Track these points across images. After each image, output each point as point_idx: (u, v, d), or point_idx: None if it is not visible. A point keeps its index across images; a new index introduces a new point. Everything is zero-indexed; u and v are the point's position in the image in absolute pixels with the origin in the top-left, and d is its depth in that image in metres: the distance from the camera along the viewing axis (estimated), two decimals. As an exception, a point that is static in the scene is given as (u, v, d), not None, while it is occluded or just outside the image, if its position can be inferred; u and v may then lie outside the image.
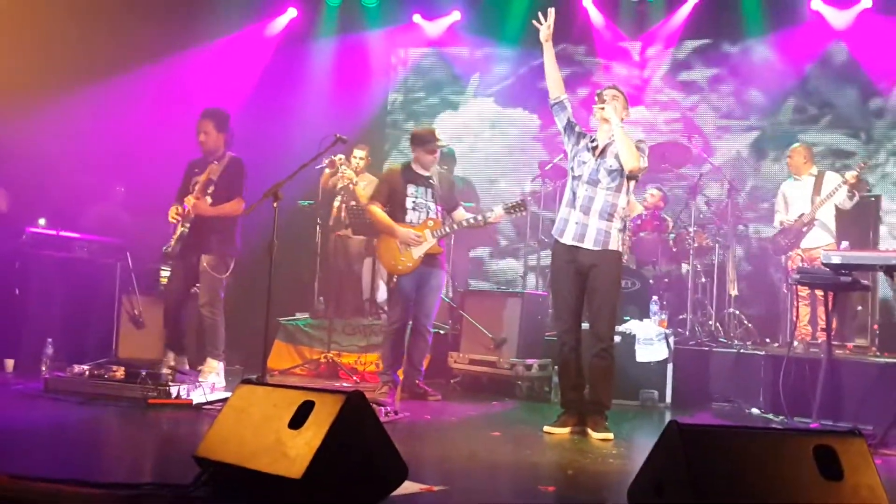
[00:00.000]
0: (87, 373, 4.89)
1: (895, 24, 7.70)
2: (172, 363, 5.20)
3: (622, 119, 4.52)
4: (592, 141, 4.56)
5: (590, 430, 4.35)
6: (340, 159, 6.90)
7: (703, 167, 7.45)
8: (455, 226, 5.57)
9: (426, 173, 5.54)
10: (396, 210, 5.44)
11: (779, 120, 8.27)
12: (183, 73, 7.71)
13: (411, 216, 5.45)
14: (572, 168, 4.54)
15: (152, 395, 4.60)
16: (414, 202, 5.47)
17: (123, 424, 4.20)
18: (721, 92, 8.48)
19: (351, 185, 6.99)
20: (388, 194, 5.47)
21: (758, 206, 7.45)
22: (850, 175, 6.27)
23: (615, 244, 4.44)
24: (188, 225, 5.23)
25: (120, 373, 4.87)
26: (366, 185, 7.28)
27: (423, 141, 5.50)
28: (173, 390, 4.63)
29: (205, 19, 8.20)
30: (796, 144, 6.88)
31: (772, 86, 8.30)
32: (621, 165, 4.40)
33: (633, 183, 4.55)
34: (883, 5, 7.70)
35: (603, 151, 4.46)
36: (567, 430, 4.40)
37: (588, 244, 4.40)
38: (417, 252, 5.39)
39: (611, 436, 4.28)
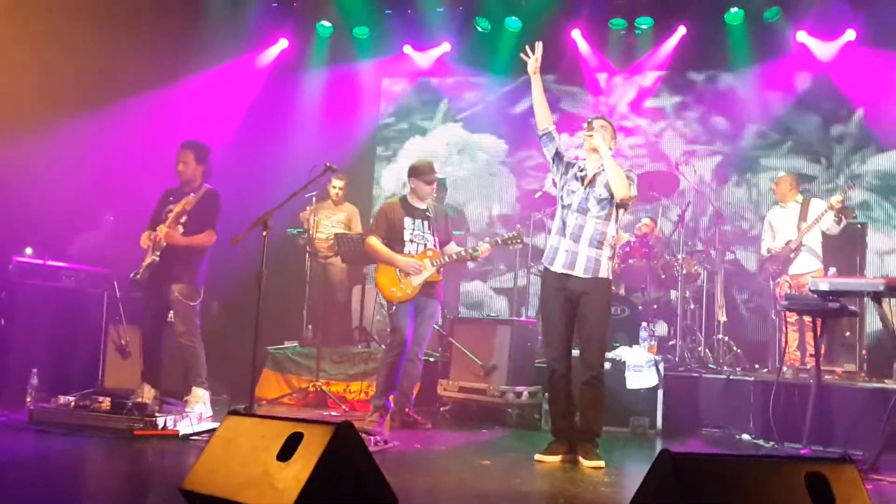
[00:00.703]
0: (72, 404, 4.83)
1: (878, 56, 7.84)
2: (147, 396, 5.14)
3: (610, 149, 4.56)
4: (581, 170, 4.59)
5: (581, 458, 4.32)
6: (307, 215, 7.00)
7: (691, 195, 7.51)
8: (450, 257, 5.61)
9: (422, 206, 5.61)
10: (394, 243, 5.49)
11: (741, 146, 8.47)
12: (174, 104, 7.73)
13: (409, 248, 5.50)
14: (562, 197, 4.58)
15: (139, 426, 4.54)
16: (412, 234, 5.52)
17: (109, 456, 4.14)
18: (687, 118, 8.69)
19: (330, 212, 7.04)
20: (388, 228, 5.52)
21: (721, 229, 7.56)
22: (836, 200, 6.33)
23: (605, 272, 4.47)
24: (158, 253, 5.24)
25: (106, 403, 4.80)
26: (346, 214, 7.33)
27: (422, 172, 5.59)
28: (160, 421, 4.58)
29: (196, 50, 8.25)
30: (781, 173, 6.96)
31: (735, 113, 8.50)
32: (611, 194, 4.44)
33: (622, 211, 4.59)
34: (866, 38, 7.83)
35: (592, 180, 4.50)
36: (558, 458, 4.38)
37: (578, 272, 4.42)
38: (417, 280, 5.41)
39: (602, 463, 4.27)
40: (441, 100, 9.42)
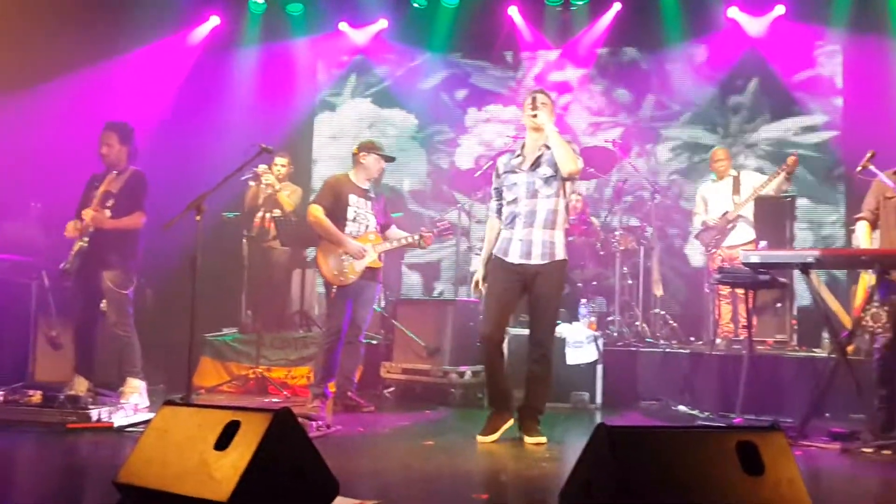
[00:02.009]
0: (1, 398, 4.67)
1: (806, 30, 8.07)
2: (80, 388, 5.00)
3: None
4: (516, 156, 4.52)
5: (524, 435, 4.33)
6: (263, 169, 6.83)
7: (626, 171, 7.61)
8: (394, 243, 5.58)
9: (366, 185, 5.54)
10: (337, 220, 5.40)
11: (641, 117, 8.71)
12: (101, 85, 7.46)
13: (351, 227, 5.42)
14: (504, 198, 4.51)
15: (71, 419, 4.41)
16: (355, 213, 5.44)
17: (41, 451, 4.02)
18: (591, 91, 8.88)
19: (274, 193, 6.91)
20: (333, 201, 5.41)
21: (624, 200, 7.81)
22: (791, 159, 6.39)
23: (561, 253, 4.42)
24: (87, 239, 5.09)
25: (37, 397, 4.66)
26: (289, 194, 7.21)
27: (379, 148, 5.53)
28: (94, 413, 4.46)
29: (124, 29, 7.96)
30: (717, 148, 7.06)
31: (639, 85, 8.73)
32: (555, 171, 4.35)
33: (569, 185, 4.48)
34: (796, 12, 8.03)
35: (535, 162, 4.42)
36: (497, 434, 4.35)
37: (535, 259, 4.37)
38: (360, 265, 5.35)
39: (544, 439, 4.30)
40: (349, 75, 9.35)
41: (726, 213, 6.69)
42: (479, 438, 4.33)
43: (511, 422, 4.42)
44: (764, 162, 8.30)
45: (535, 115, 4.40)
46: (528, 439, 4.31)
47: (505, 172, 4.52)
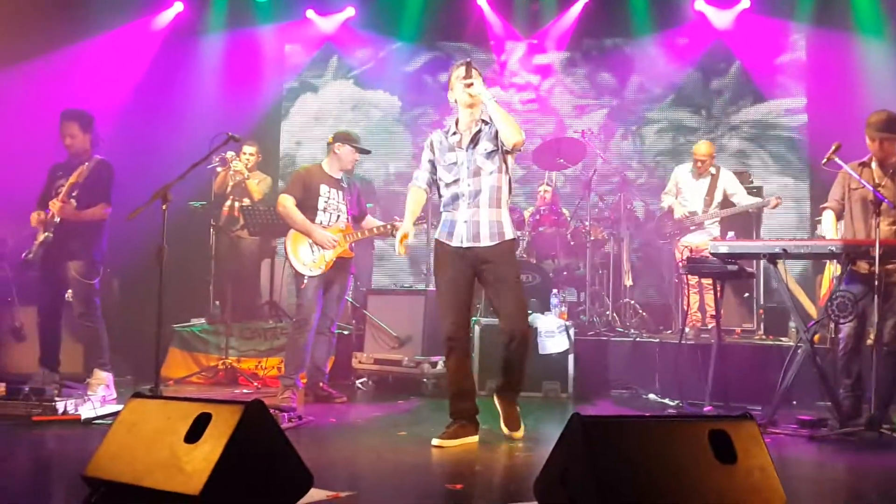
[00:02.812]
0: (-37, 391, 4.57)
1: (772, 24, 8.18)
2: (46, 380, 4.91)
3: None
4: (453, 134, 4.19)
5: (503, 427, 4.11)
6: (232, 156, 6.75)
7: (597, 163, 7.64)
8: (366, 232, 5.54)
9: (338, 175, 5.48)
10: (307, 210, 5.34)
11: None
12: (62, 72, 7.29)
13: (321, 217, 5.37)
14: (442, 179, 4.20)
15: (37, 411, 4.34)
16: (326, 203, 5.39)
17: (6, 445, 3.92)
18: (575, 75, 8.94)
19: (243, 180, 6.84)
20: (303, 191, 5.36)
21: (609, 181, 7.82)
22: (774, 202, 6.48)
23: (510, 232, 4.15)
24: (51, 230, 4.98)
25: (1, 389, 4.58)
26: (259, 182, 7.13)
27: (353, 139, 5.48)
28: (60, 406, 4.38)
29: (85, 15, 7.78)
30: (702, 145, 6.87)
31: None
32: (496, 145, 4.07)
33: (510, 160, 4.17)
34: (761, 6, 8.12)
35: (474, 139, 4.12)
36: (458, 441, 3.97)
37: (484, 241, 4.08)
38: (330, 255, 5.31)
39: (521, 434, 4.13)
40: (331, 56, 9.28)
41: (694, 214, 6.72)
42: (436, 441, 3.93)
43: (475, 438, 4.05)
44: (748, 143, 8.47)
45: (470, 85, 4.02)
46: (505, 430, 4.12)
47: (443, 151, 4.20)
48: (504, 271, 4.11)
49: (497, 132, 4.05)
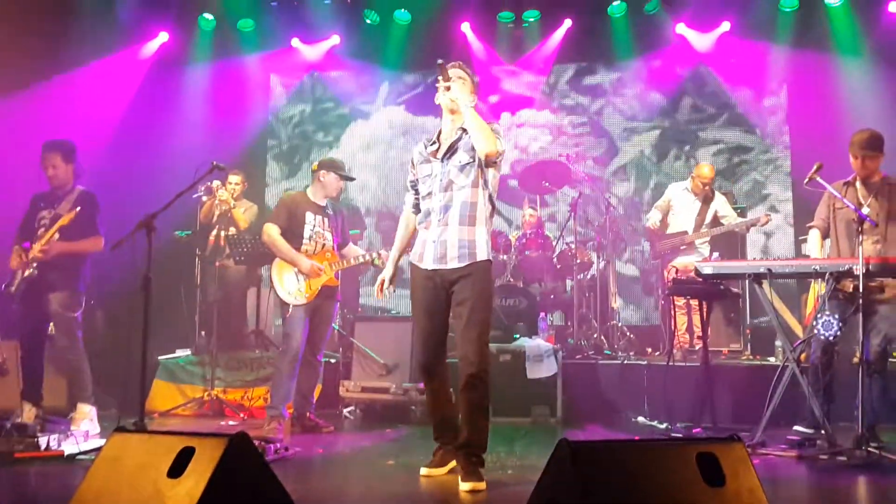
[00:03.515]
0: (-56, 428, 4.49)
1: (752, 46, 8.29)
2: (28, 416, 4.85)
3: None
4: (432, 143, 3.91)
5: (459, 479, 3.61)
6: (217, 185, 6.75)
7: (583, 187, 7.68)
8: (352, 261, 5.53)
9: (323, 203, 5.47)
10: (292, 238, 5.32)
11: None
12: (45, 103, 7.28)
13: (307, 245, 5.36)
14: (419, 192, 3.94)
15: (19, 448, 4.27)
16: (311, 231, 5.38)
17: (-14, 482, 3.87)
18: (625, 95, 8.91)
19: (229, 209, 6.83)
20: (288, 220, 5.35)
21: (612, 217, 7.81)
22: (765, 218, 6.52)
23: (483, 253, 3.75)
24: (35, 266, 4.97)
25: (-20, 425, 4.49)
26: (245, 210, 7.12)
27: (339, 167, 5.47)
28: (42, 441, 4.31)
29: (69, 45, 7.78)
30: (705, 167, 6.88)
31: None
32: (473, 157, 3.74)
33: (491, 173, 3.82)
34: (741, 29, 8.24)
35: (451, 149, 3.81)
36: (446, 469, 3.86)
37: (451, 263, 3.72)
38: (316, 283, 5.28)
39: (482, 486, 3.56)
40: (381, 82, 9.29)
41: (685, 234, 6.75)
42: (424, 471, 3.84)
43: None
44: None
45: (448, 88, 3.74)
46: (462, 485, 3.56)
47: (420, 163, 3.94)
48: (467, 296, 3.69)
49: None
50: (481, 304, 3.70)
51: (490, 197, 3.83)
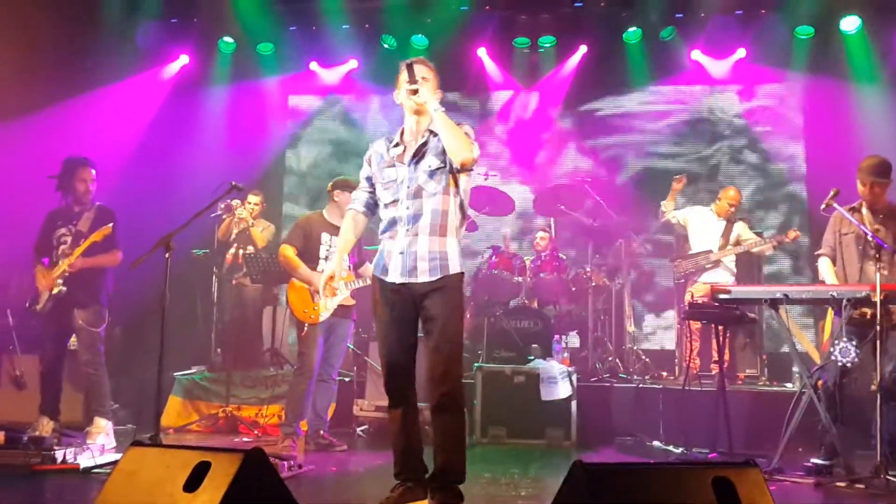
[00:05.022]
0: (-37, 441, 4.54)
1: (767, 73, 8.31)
2: (45, 429, 4.88)
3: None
4: (395, 146, 3.60)
5: None
6: (237, 203, 6.82)
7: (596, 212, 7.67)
8: (367, 280, 5.55)
9: (338, 223, 5.50)
10: (309, 258, 5.37)
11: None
12: (67, 122, 7.39)
13: (324, 266, 5.38)
14: (381, 199, 3.60)
15: (36, 461, 4.31)
16: (328, 251, 5.41)
17: (5, 494, 3.88)
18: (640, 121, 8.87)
19: (247, 228, 6.89)
20: (304, 241, 5.39)
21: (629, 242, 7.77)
22: (792, 234, 6.52)
23: (455, 266, 3.47)
24: (61, 282, 5.02)
25: (0, 438, 4.53)
26: (262, 230, 7.18)
27: (353, 187, 5.48)
28: (59, 455, 4.35)
29: (91, 67, 7.92)
30: (732, 190, 6.90)
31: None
32: (444, 161, 3.46)
33: (463, 179, 3.54)
34: (756, 55, 8.26)
35: (417, 153, 3.51)
36: None
37: (421, 276, 3.43)
38: (332, 303, 5.31)
39: None
40: (398, 105, 9.29)
41: (710, 252, 6.73)
42: None
43: (423, 502, 3.45)
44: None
45: (414, 92, 3.46)
46: None
47: (383, 167, 3.60)
48: (438, 312, 3.41)
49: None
50: (454, 320, 3.44)
51: (462, 204, 3.55)
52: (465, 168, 3.48)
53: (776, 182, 8.58)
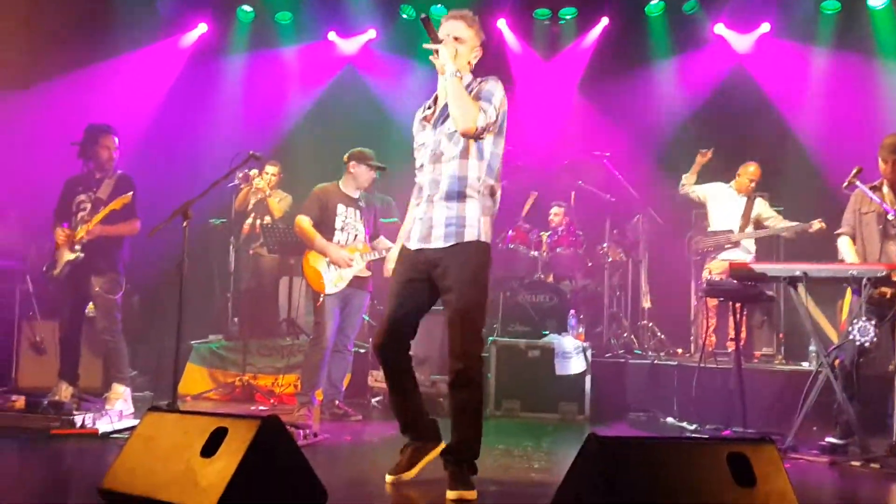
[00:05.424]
0: (-17, 404, 4.62)
1: (792, 48, 8.17)
2: (64, 394, 4.95)
3: (470, 64, 3.41)
4: (428, 108, 3.49)
5: (448, 489, 3.23)
6: (255, 173, 6.83)
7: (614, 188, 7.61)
8: (383, 252, 5.56)
9: (356, 194, 5.51)
10: (325, 229, 5.38)
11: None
12: (86, 90, 7.40)
13: (339, 237, 5.40)
14: (417, 161, 3.51)
15: (55, 425, 4.37)
16: (343, 222, 5.42)
17: (24, 457, 3.96)
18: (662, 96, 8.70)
19: (265, 198, 6.90)
20: (320, 212, 5.39)
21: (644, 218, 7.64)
22: (818, 225, 6.32)
23: (475, 233, 3.30)
24: (79, 248, 5.05)
25: (20, 402, 4.63)
26: (280, 200, 7.19)
27: (367, 157, 5.48)
28: (78, 420, 4.41)
29: (110, 35, 7.91)
30: (752, 165, 6.81)
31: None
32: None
33: (489, 142, 3.35)
34: (781, 30, 8.12)
35: (442, 115, 3.39)
36: (415, 471, 3.45)
37: (435, 242, 3.32)
38: (347, 274, 5.32)
39: (472, 495, 3.19)
40: (416, 77, 8.90)
41: (731, 232, 6.67)
42: (390, 478, 3.41)
43: (436, 451, 3.47)
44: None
45: (436, 53, 3.30)
46: (450, 493, 3.19)
47: (417, 130, 3.52)
48: (453, 283, 3.26)
49: None
50: (471, 292, 3.27)
51: (490, 167, 3.36)
52: (468, 137, 3.30)
53: (798, 159, 8.45)
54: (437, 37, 3.32)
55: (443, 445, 3.43)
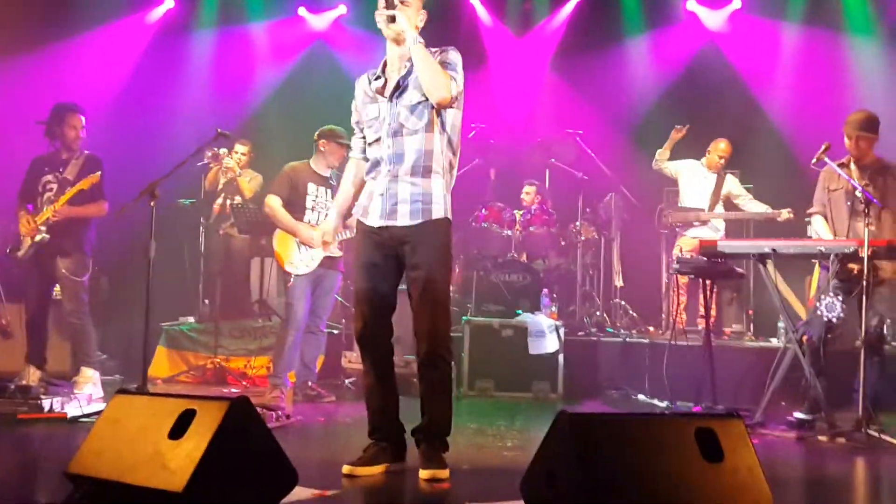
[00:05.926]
0: (-51, 389, 4.53)
1: (763, 24, 8.20)
2: (32, 378, 4.88)
3: (417, 28, 3.25)
4: (377, 78, 3.34)
5: (420, 467, 3.22)
6: (224, 152, 6.73)
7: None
8: (354, 231, 5.50)
9: (326, 173, 5.45)
10: (295, 209, 5.32)
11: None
12: (51, 67, 7.24)
13: (310, 216, 5.35)
14: (366, 138, 3.40)
15: (23, 409, 4.31)
16: (314, 202, 5.36)
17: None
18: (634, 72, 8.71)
19: (235, 177, 6.82)
20: (290, 191, 5.33)
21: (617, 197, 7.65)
22: (787, 214, 6.34)
23: (440, 209, 3.26)
24: (44, 229, 4.97)
25: (-15, 387, 4.54)
26: (250, 180, 7.11)
27: (338, 135, 5.40)
28: (45, 403, 4.35)
29: (74, 11, 7.72)
30: (722, 142, 6.81)
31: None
32: (425, 95, 3.21)
33: (450, 114, 3.30)
34: (752, 6, 8.14)
35: (399, 87, 3.27)
36: (373, 470, 3.29)
37: (402, 220, 3.24)
38: (318, 254, 5.27)
39: (445, 473, 3.19)
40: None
41: (700, 211, 6.69)
42: (347, 469, 3.24)
43: (396, 465, 3.38)
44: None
45: (391, 19, 3.17)
46: (422, 472, 3.17)
47: (365, 103, 3.39)
48: (422, 260, 3.22)
49: None
50: (438, 271, 3.24)
51: (450, 142, 3.32)
52: (442, 107, 3.21)
53: (767, 136, 8.51)
54: (392, 4, 3.18)
55: (403, 463, 3.38)
